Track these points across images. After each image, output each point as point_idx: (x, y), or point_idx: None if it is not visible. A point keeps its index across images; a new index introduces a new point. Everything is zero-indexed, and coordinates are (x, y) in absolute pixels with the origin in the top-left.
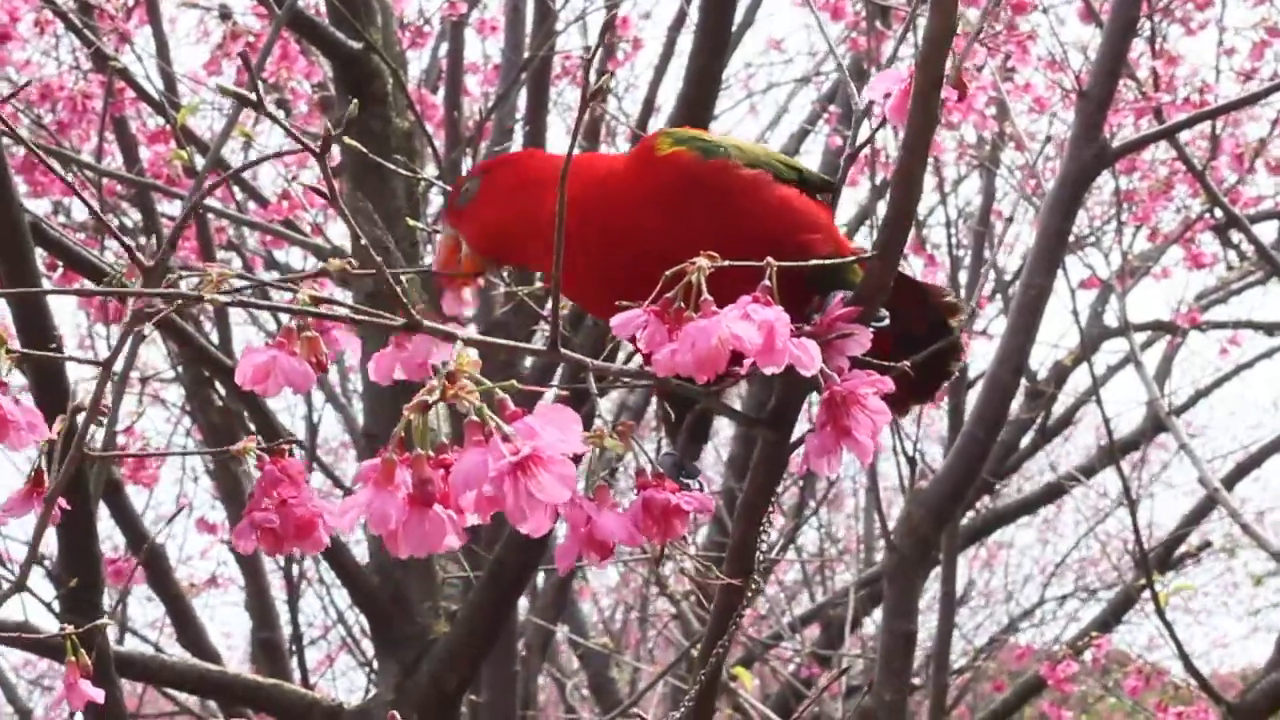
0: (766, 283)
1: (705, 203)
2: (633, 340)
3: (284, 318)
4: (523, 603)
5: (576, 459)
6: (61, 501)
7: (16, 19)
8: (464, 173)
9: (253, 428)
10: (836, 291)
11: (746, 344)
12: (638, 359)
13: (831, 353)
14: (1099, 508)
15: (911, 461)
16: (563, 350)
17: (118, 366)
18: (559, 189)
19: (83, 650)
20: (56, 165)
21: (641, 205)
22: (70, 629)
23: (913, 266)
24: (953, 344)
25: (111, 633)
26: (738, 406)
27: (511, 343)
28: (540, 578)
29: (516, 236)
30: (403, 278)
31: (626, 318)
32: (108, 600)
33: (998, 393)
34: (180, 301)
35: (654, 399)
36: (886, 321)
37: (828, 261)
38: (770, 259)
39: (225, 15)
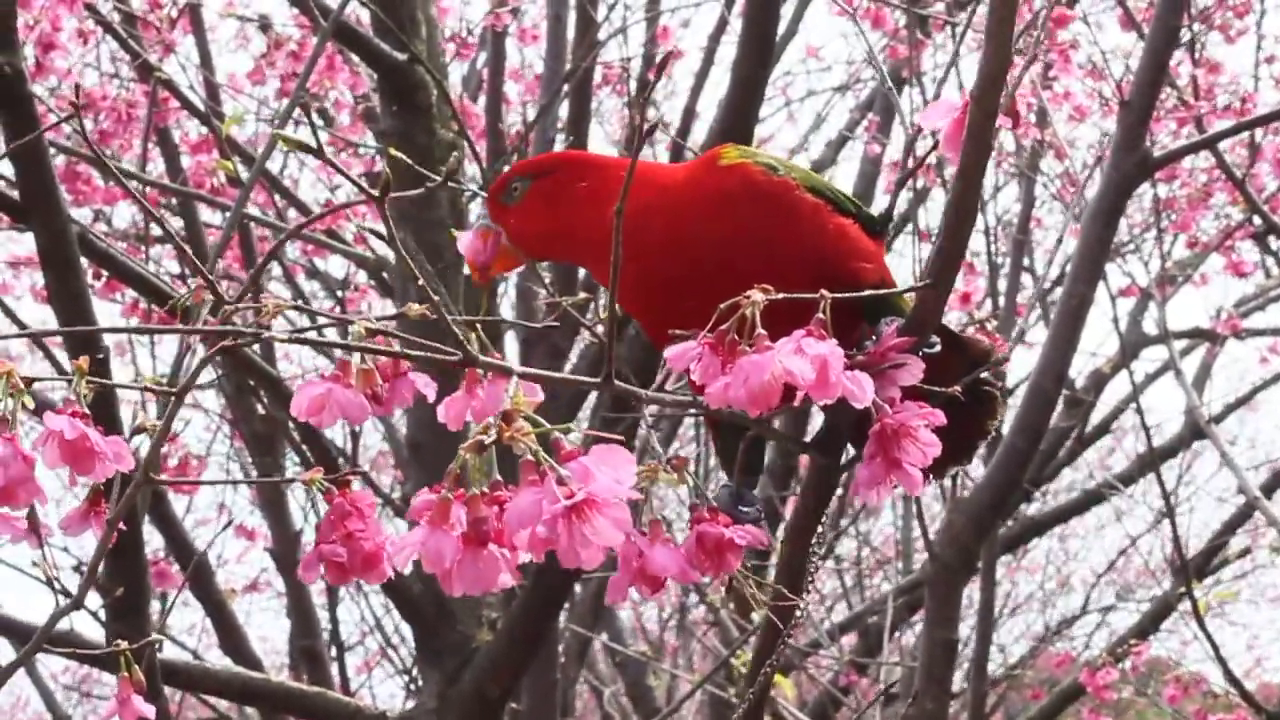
0: (821, 315)
1: (765, 216)
2: (686, 372)
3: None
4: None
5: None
6: (121, 524)
7: (58, 28)
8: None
9: (299, 439)
10: (889, 319)
11: (800, 379)
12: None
13: (883, 383)
14: (1138, 515)
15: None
16: (616, 382)
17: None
18: (619, 200)
19: (135, 665)
20: (133, 187)
21: (702, 212)
22: (124, 644)
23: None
24: (990, 400)
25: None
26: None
27: (566, 376)
28: (579, 585)
29: (573, 243)
30: (458, 309)
31: (681, 350)
32: (153, 609)
33: (1039, 402)
34: (250, 339)
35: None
36: (938, 348)
37: (880, 292)
38: (824, 290)
39: (265, 27)
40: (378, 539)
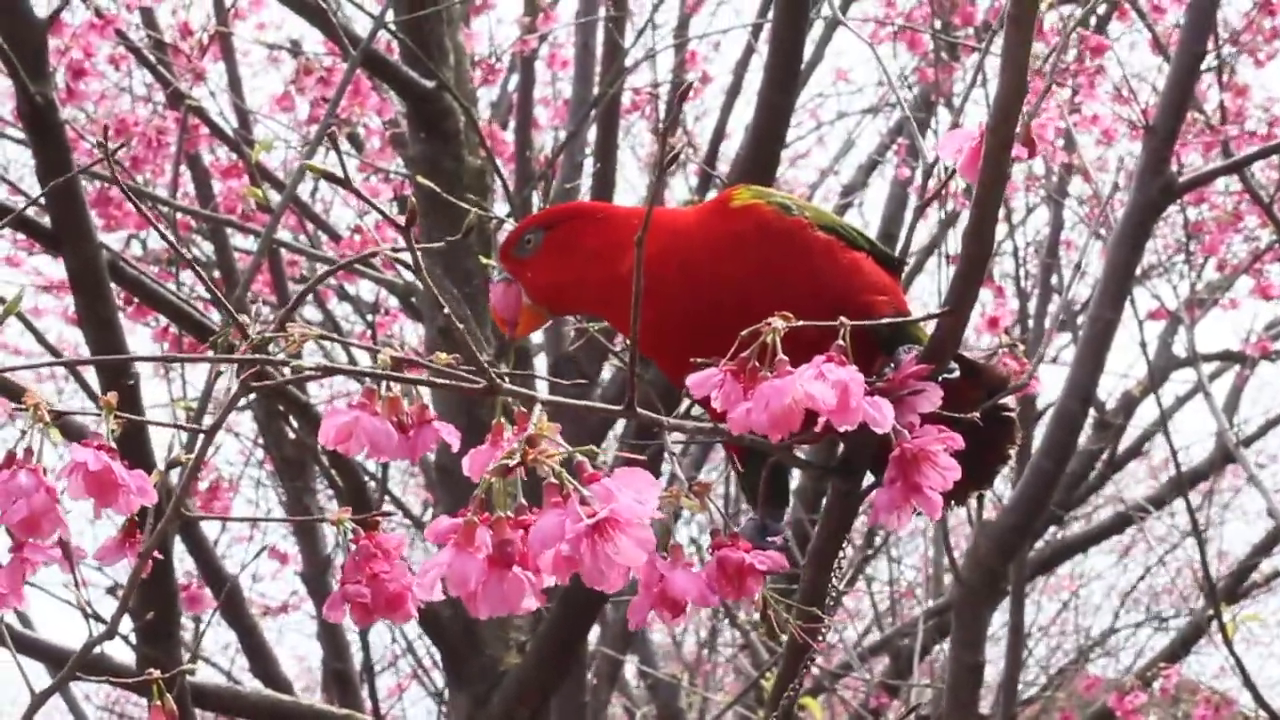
0: (841, 342)
1: (778, 256)
2: (705, 401)
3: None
4: (593, 632)
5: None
6: (156, 554)
7: (91, 54)
8: (522, 215)
9: (328, 465)
10: (907, 346)
11: (821, 404)
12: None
13: (903, 409)
14: (1168, 538)
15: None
16: (639, 410)
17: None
18: (636, 250)
19: (168, 695)
20: (164, 213)
21: (717, 253)
22: (156, 672)
23: (980, 298)
24: (1008, 425)
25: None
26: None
27: (590, 403)
28: (610, 608)
29: (589, 296)
30: (485, 333)
31: (703, 377)
32: (186, 630)
33: (1065, 424)
34: (283, 379)
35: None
36: (956, 374)
37: (897, 320)
38: (843, 318)
39: (295, 51)
40: (403, 580)
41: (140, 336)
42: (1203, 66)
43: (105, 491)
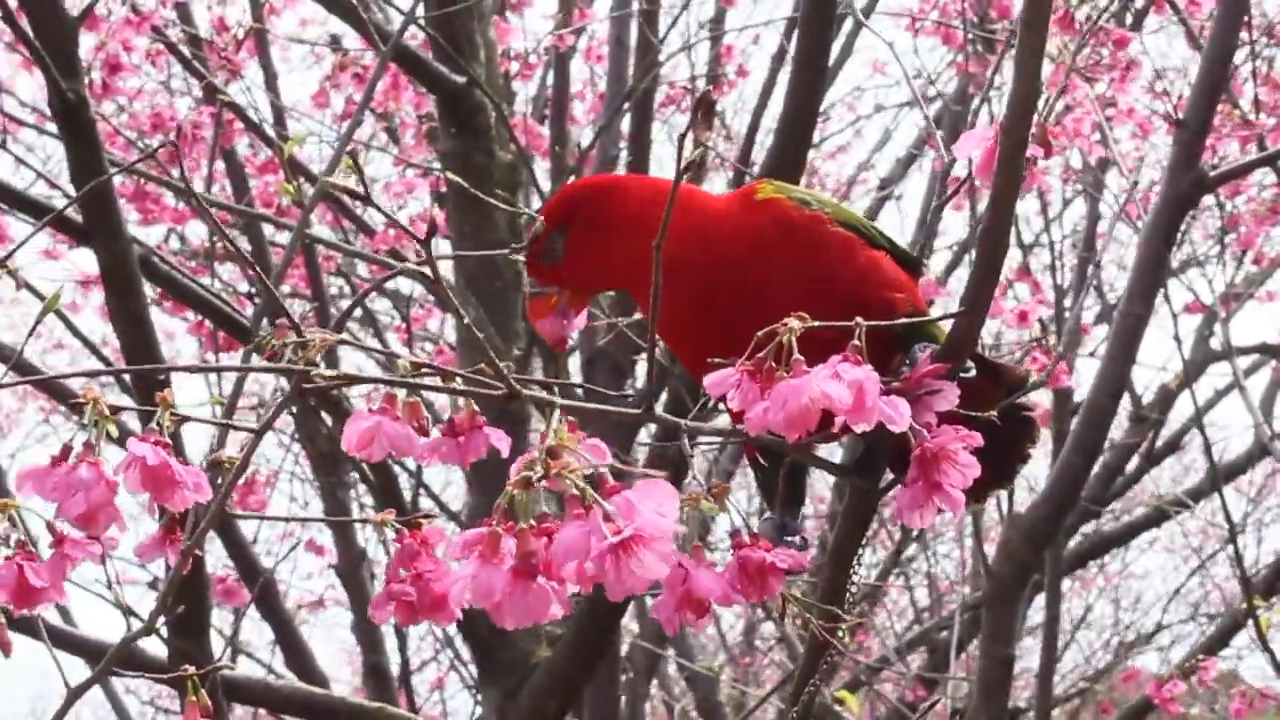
0: (856, 342)
1: (797, 249)
2: (722, 400)
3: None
4: (633, 626)
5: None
6: (197, 551)
7: (130, 49)
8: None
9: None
10: (923, 345)
11: (837, 403)
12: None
13: (920, 408)
14: (1209, 533)
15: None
16: (657, 412)
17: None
18: (655, 254)
19: (203, 690)
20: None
21: (739, 242)
22: (190, 668)
23: (1018, 292)
24: (1028, 425)
25: (224, 657)
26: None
27: (606, 407)
28: (649, 599)
29: (616, 274)
30: (516, 328)
31: (720, 377)
32: (224, 622)
33: (1096, 418)
34: (321, 384)
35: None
36: (973, 373)
37: (913, 320)
38: (859, 318)
39: (335, 43)
40: (447, 580)
41: (177, 329)
42: (1236, 60)
43: (161, 487)
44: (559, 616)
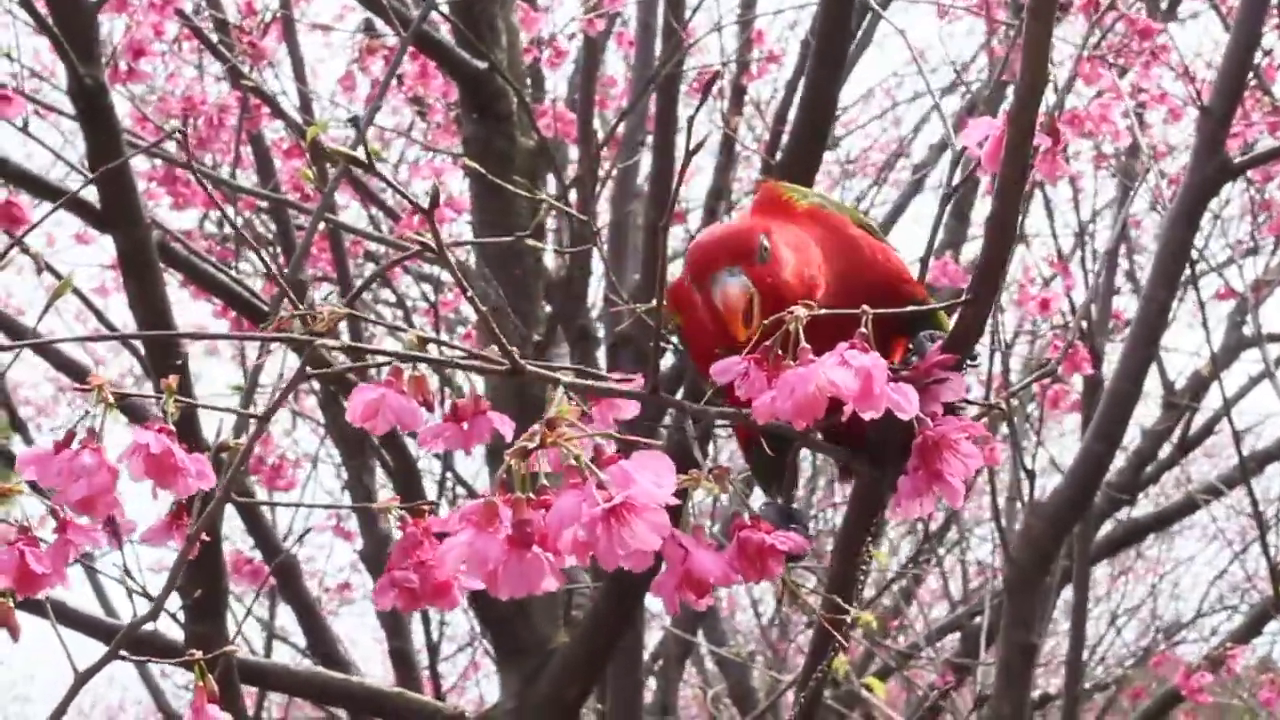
0: (863, 330)
1: (843, 255)
2: (730, 388)
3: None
4: (664, 613)
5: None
6: (204, 535)
7: (161, 33)
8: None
9: (379, 445)
10: (929, 334)
11: (844, 391)
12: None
13: (926, 397)
14: (1248, 519)
15: (1030, 474)
16: (662, 394)
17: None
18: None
19: (210, 675)
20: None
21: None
22: (198, 654)
23: (1045, 276)
24: None
25: (259, 640)
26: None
27: (611, 387)
28: None
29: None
30: (535, 310)
31: (726, 365)
32: (260, 609)
33: (1118, 405)
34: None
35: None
36: (980, 363)
37: (923, 308)
38: (865, 306)
39: (370, 28)
40: (442, 548)
41: (203, 312)
42: (1261, 48)
43: (165, 474)
44: (553, 588)
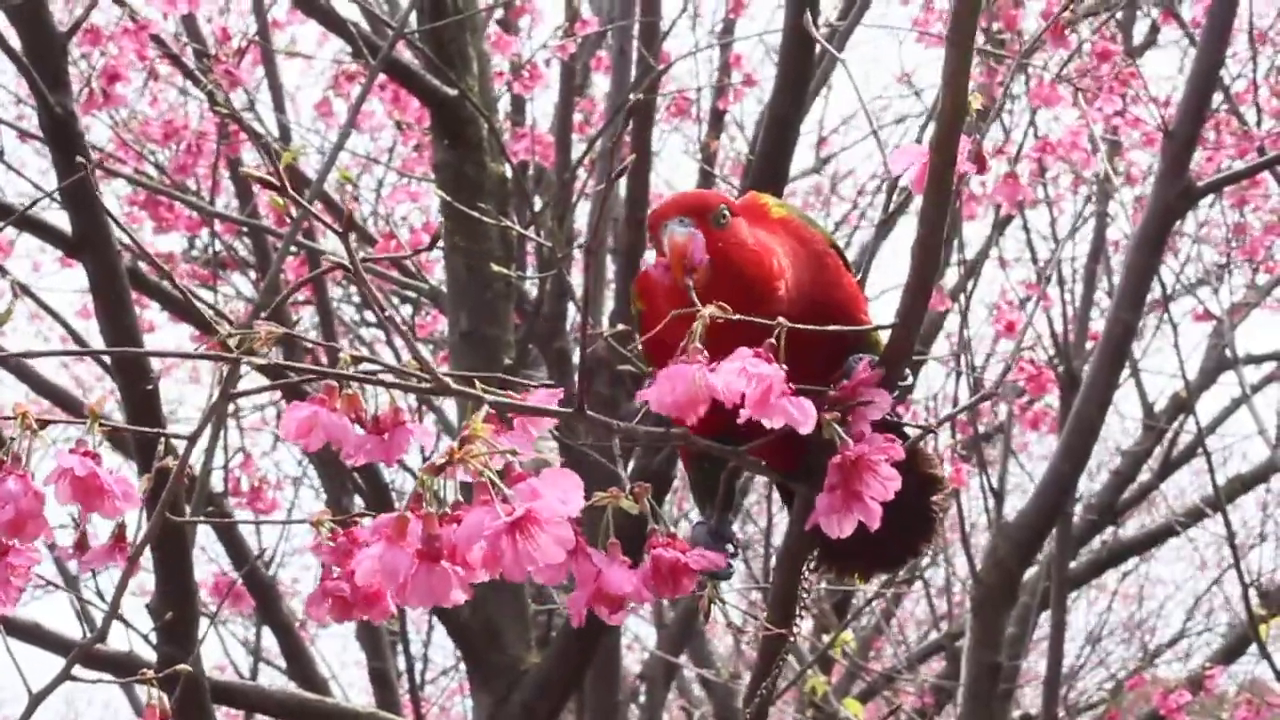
0: (772, 341)
1: (810, 271)
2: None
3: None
4: (651, 636)
5: (580, 520)
6: (162, 554)
7: (145, 58)
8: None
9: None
10: (858, 356)
11: (723, 394)
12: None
13: (855, 417)
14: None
15: (997, 495)
16: (588, 413)
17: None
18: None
19: (163, 693)
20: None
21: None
22: (150, 673)
23: (1020, 300)
24: (929, 524)
25: (245, 663)
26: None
27: (538, 406)
28: (666, 606)
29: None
30: (501, 333)
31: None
32: (245, 631)
33: (1084, 426)
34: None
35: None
36: (912, 384)
37: (846, 329)
38: (781, 319)
39: (359, 54)
40: (355, 560)
41: (179, 336)
42: (1223, 73)
43: (91, 497)
44: (461, 601)
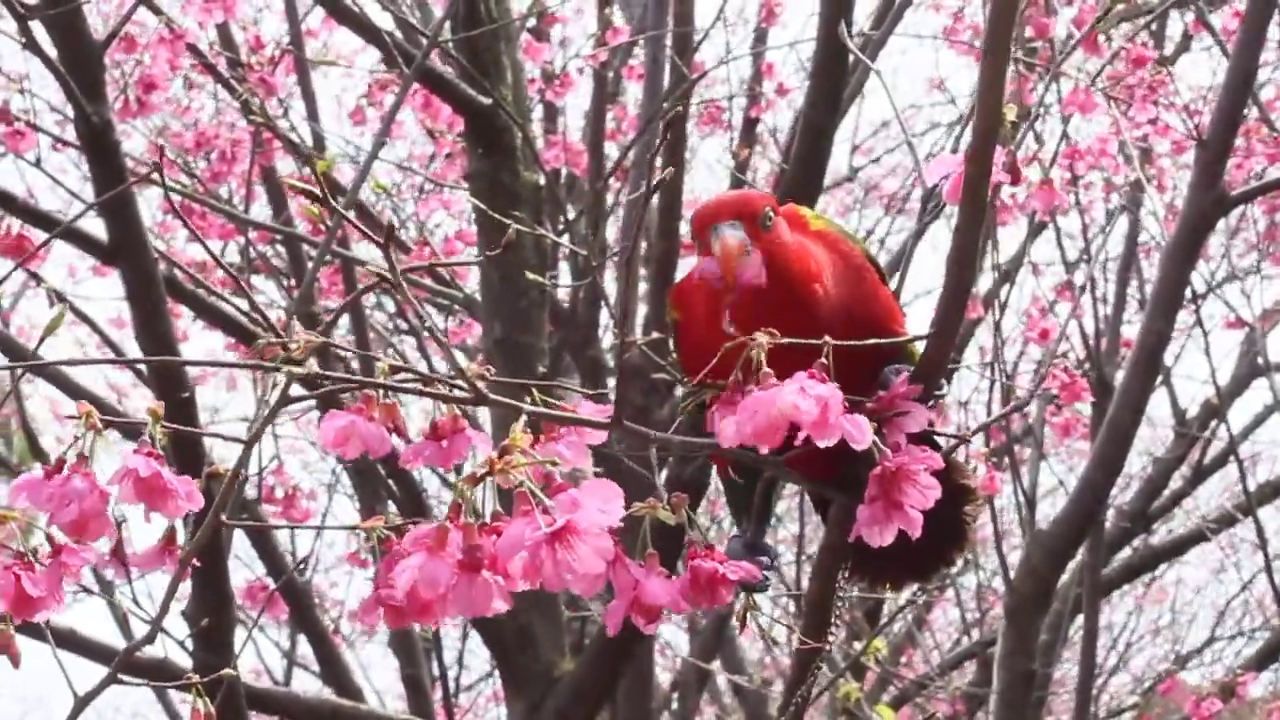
0: (823, 360)
1: (845, 277)
2: (708, 416)
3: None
4: (683, 642)
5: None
6: (200, 561)
7: (176, 67)
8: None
9: (385, 474)
10: (895, 368)
11: (804, 417)
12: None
13: (891, 429)
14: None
15: (1030, 502)
16: (626, 423)
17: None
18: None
19: (205, 698)
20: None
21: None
22: (195, 677)
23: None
24: (962, 533)
25: (280, 668)
26: None
27: (575, 416)
28: (699, 615)
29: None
30: (534, 340)
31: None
32: (282, 638)
33: (1117, 436)
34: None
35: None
36: (946, 393)
37: (884, 340)
38: (827, 336)
39: (392, 61)
40: (395, 571)
41: (214, 345)
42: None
43: (154, 497)
44: (501, 611)
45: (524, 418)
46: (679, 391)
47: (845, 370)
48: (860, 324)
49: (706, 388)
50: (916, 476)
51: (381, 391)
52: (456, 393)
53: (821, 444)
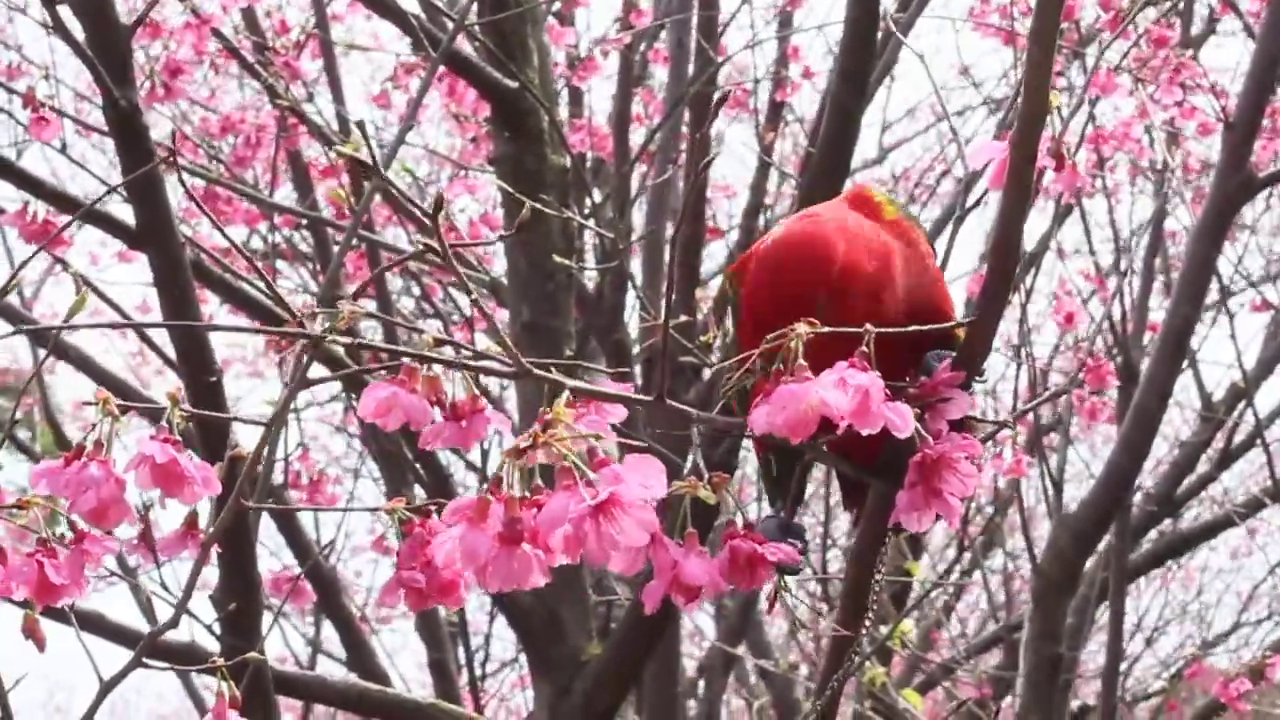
0: (864, 349)
1: (911, 268)
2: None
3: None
4: (709, 626)
5: (663, 505)
6: (231, 546)
7: (202, 52)
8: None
9: (412, 458)
10: (937, 354)
11: (835, 410)
12: None
13: (933, 415)
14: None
15: (1057, 486)
16: (669, 401)
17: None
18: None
19: (230, 682)
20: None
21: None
22: (220, 661)
23: (1078, 290)
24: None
25: (305, 654)
26: None
27: (618, 394)
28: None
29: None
30: (562, 324)
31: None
32: (306, 624)
33: (1144, 420)
34: (320, 342)
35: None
36: (987, 380)
37: (928, 327)
38: (869, 325)
39: (418, 44)
40: (455, 568)
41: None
42: None
43: (171, 483)
44: (540, 584)
45: (566, 393)
46: (706, 375)
47: (903, 357)
48: (920, 312)
49: (751, 373)
50: (957, 464)
51: (424, 365)
52: (497, 365)
53: (864, 432)
